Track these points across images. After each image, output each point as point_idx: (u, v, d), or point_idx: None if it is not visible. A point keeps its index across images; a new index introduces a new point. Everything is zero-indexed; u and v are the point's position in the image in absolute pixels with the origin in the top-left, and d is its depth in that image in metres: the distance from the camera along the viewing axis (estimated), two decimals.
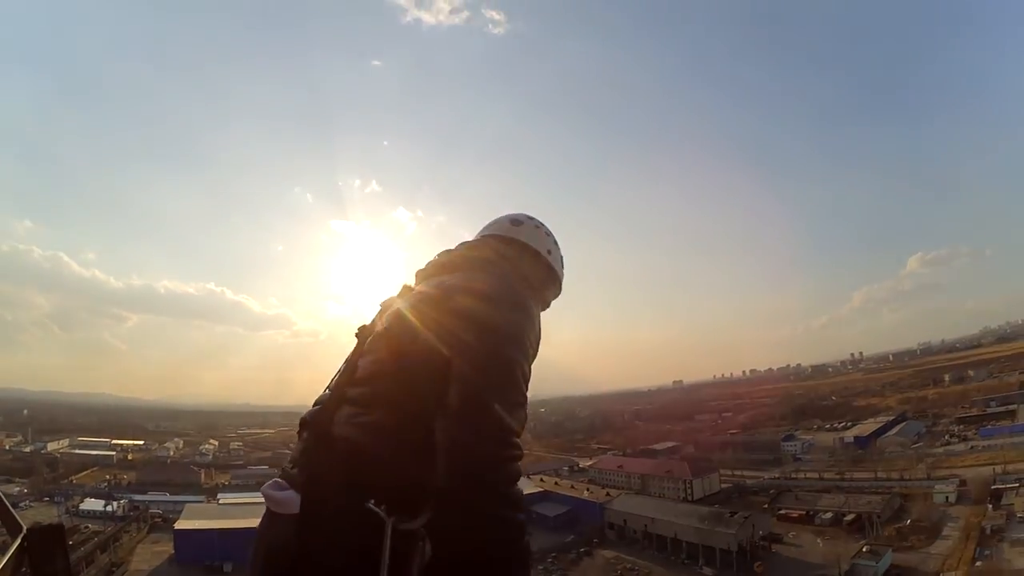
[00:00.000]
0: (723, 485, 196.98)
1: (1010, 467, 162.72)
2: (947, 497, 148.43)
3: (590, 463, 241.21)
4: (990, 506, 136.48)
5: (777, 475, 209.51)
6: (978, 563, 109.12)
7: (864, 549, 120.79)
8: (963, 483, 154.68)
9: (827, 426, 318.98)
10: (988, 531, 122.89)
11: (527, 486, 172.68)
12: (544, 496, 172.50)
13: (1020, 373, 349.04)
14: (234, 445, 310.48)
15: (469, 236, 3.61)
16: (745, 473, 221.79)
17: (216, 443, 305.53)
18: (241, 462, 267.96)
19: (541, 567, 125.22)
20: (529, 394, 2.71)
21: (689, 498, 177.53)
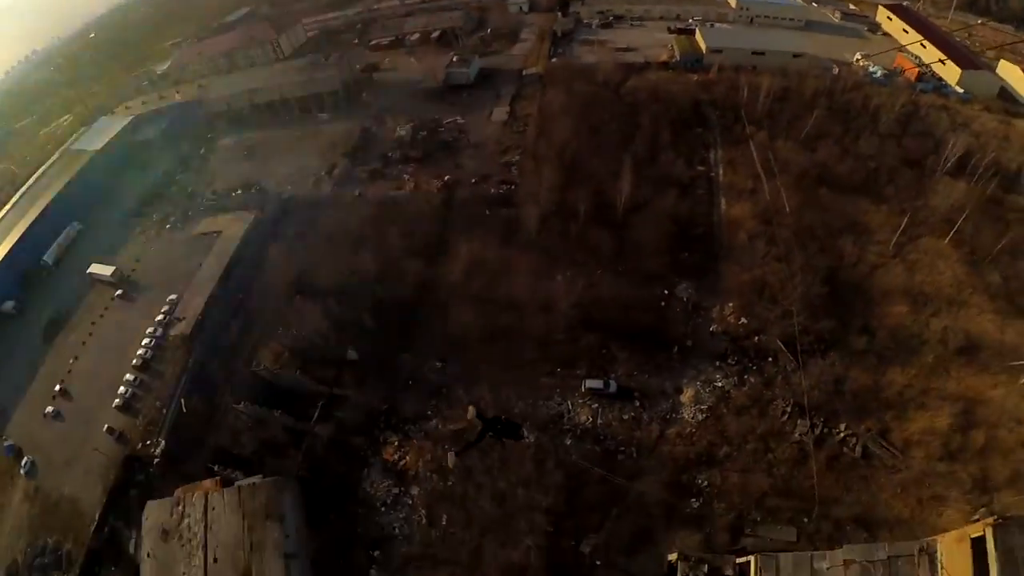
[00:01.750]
0: (309, 33, 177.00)
1: None
2: (520, 7, 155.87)
3: (167, 65, 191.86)
4: (560, 13, 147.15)
5: (360, 9, 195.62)
6: (553, 59, 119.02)
7: (454, 59, 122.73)
8: None
9: None
10: (559, 34, 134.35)
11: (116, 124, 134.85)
12: (137, 121, 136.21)
13: None
14: None
15: None
16: (328, 16, 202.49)
17: None
18: None
19: None
20: None
21: (281, 56, 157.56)
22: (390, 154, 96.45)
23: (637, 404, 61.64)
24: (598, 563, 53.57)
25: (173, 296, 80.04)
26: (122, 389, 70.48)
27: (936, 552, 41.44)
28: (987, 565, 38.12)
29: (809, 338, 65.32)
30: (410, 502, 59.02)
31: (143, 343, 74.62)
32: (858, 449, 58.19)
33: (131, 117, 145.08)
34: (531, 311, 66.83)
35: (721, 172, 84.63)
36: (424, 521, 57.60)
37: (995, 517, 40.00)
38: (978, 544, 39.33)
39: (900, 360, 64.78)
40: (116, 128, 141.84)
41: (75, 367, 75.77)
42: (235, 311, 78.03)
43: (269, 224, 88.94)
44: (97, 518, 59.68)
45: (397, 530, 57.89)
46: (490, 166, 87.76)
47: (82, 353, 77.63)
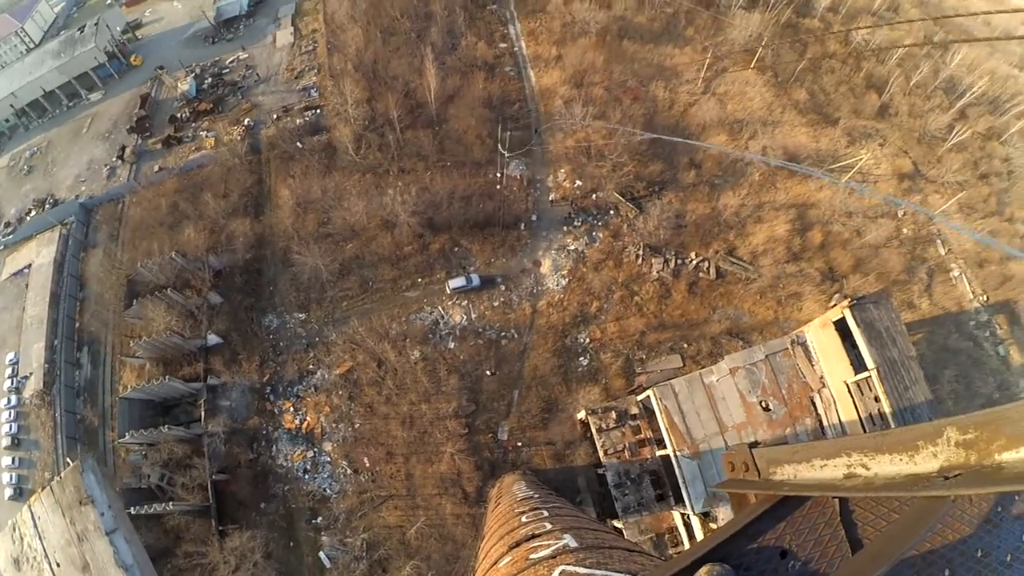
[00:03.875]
0: (56, 8, 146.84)
1: None
2: None
3: None
4: None
5: None
6: None
7: None
8: None
9: None
10: None
11: None
12: None
13: None
14: None
15: None
16: None
17: None
18: None
19: None
20: None
21: (32, 45, 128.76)
22: (179, 114, 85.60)
23: (503, 288, 61.73)
24: (519, 444, 55.37)
25: (11, 355, 71.15)
26: (6, 477, 64.27)
27: (806, 340, 45.61)
28: (853, 339, 42.34)
29: (643, 183, 67.66)
30: (328, 459, 57.80)
31: (3, 420, 67.30)
32: (712, 271, 62.43)
33: None
34: (374, 232, 63.64)
35: (524, 45, 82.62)
36: (349, 471, 56.80)
37: (849, 299, 44.28)
38: (840, 324, 43.63)
39: (730, 184, 69.16)
40: None
41: None
42: (79, 342, 70.33)
43: (77, 236, 78.33)
44: None
45: (328, 490, 56.79)
46: (289, 96, 79.95)
47: None
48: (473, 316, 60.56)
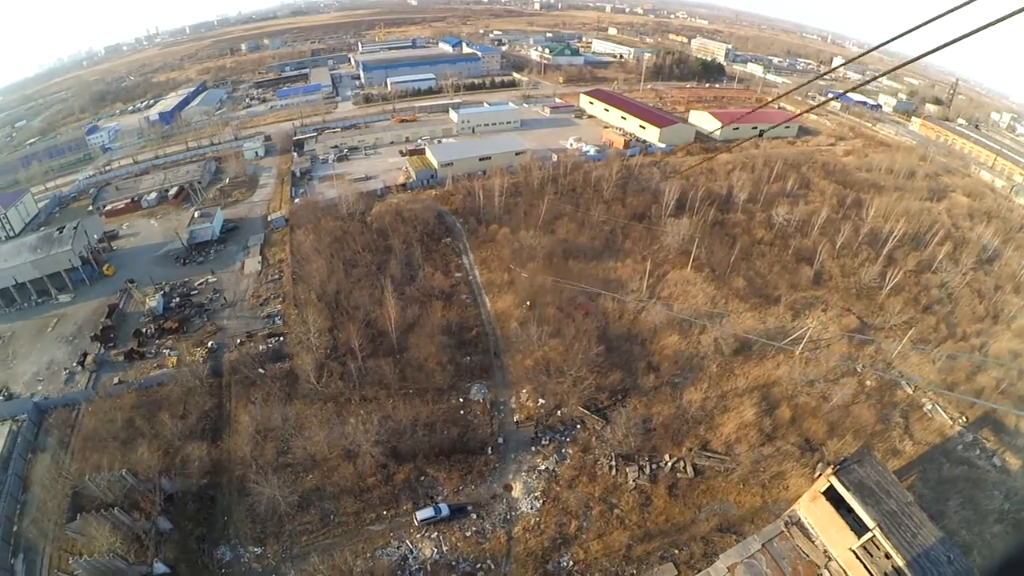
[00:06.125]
0: (40, 204, 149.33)
1: (306, 120, 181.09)
2: (256, 152, 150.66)
3: None
4: (295, 154, 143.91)
5: (91, 172, 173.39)
6: (296, 200, 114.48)
7: (196, 215, 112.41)
8: (268, 138, 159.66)
9: (130, 108, 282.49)
10: (298, 174, 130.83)
11: None
12: None
13: (311, 42, 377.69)
14: None
15: None
16: (56, 183, 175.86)
17: None
18: None
19: None
20: None
21: (11, 233, 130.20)
22: (144, 329, 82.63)
23: (474, 517, 56.31)
24: None
25: None
26: None
27: (800, 518, 42.63)
28: (847, 504, 39.97)
29: (605, 394, 66.76)
30: None
31: None
32: (689, 469, 59.72)
33: None
34: (336, 463, 58.87)
35: (477, 273, 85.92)
36: None
37: (832, 466, 42.09)
38: (830, 492, 41.11)
39: (689, 380, 69.24)
40: None
41: None
42: (14, 548, 60.11)
43: (27, 435, 70.50)
44: None
45: None
46: (253, 322, 78.76)
47: None
48: (444, 548, 54.37)
